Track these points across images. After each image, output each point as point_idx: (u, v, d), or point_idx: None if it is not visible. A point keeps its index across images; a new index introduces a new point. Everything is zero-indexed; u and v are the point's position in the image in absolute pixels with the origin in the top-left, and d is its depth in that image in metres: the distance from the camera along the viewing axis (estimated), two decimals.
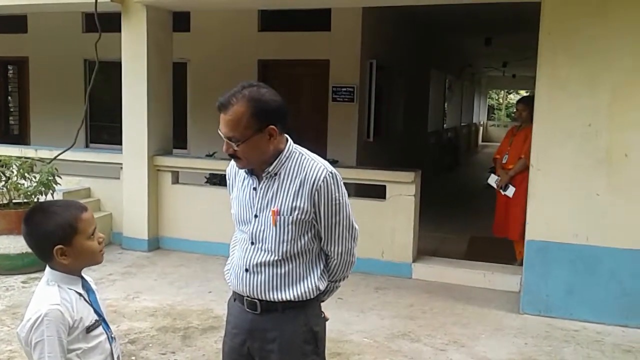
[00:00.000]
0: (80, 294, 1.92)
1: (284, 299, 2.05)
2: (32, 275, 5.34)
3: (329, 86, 8.34)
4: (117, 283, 5.33)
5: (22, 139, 10.19)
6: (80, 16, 9.34)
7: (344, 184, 2.09)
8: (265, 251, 2.05)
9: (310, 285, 2.07)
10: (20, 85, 10.56)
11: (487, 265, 5.63)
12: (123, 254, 6.29)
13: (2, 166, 5.73)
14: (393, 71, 9.75)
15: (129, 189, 6.47)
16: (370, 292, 5.24)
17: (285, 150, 2.04)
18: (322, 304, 2.21)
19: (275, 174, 2.04)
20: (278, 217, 2.01)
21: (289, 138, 2.08)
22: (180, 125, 8.49)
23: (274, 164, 2.02)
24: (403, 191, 5.61)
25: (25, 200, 5.79)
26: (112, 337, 1.99)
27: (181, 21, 7.52)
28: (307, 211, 2.01)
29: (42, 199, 5.74)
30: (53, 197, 5.75)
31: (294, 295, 2.05)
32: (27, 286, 5.16)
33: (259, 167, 2.05)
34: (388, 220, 5.67)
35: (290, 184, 2.02)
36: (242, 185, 2.12)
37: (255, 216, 2.06)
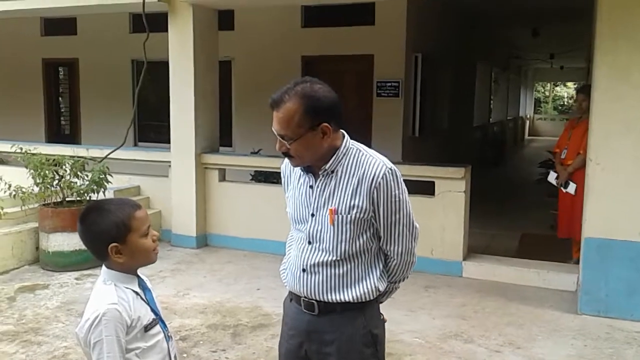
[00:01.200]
0: (136, 293, 1.91)
1: (343, 300, 1.99)
2: (86, 272, 5.47)
3: (374, 81, 8.24)
4: (167, 280, 5.39)
5: (73, 139, 10.47)
6: (127, 17, 9.53)
7: None
8: (322, 251, 1.99)
9: (369, 286, 2.01)
10: (70, 86, 10.85)
11: (540, 264, 5.44)
12: (172, 250, 6.37)
13: (55, 165, 5.86)
14: (438, 65, 9.57)
15: (177, 186, 6.55)
16: (420, 290, 5.14)
17: (342, 146, 1.97)
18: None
19: (332, 172, 1.97)
20: (336, 216, 1.95)
21: (345, 134, 2.01)
22: (226, 123, 8.54)
23: (331, 161, 1.96)
24: (453, 187, 5.48)
25: (78, 199, 5.91)
26: (168, 336, 1.98)
27: (225, 19, 7.55)
28: (365, 209, 1.94)
29: (94, 197, 5.86)
30: (105, 195, 5.86)
31: (352, 297, 1.99)
32: (81, 283, 5.28)
33: (315, 164, 1.98)
34: (437, 217, 5.54)
35: (347, 182, 1.95)
36: (298, 183, 2.07)
37: (312, 215, 2.00)
